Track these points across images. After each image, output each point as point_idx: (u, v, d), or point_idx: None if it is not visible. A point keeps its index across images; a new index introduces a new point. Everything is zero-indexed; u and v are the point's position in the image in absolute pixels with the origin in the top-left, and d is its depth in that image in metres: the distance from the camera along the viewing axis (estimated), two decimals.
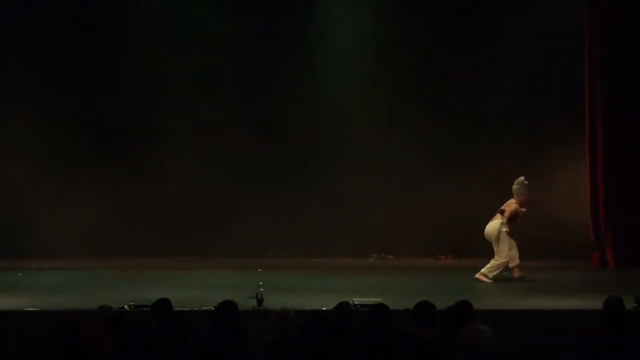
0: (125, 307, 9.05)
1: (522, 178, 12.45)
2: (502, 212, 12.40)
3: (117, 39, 14.68)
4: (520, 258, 12.39)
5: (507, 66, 14.36)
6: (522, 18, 14.47)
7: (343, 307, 6.98)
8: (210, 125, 14.81)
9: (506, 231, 12.27)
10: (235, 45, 14.85)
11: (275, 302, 9.12)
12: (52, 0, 14.82)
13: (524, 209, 12.41)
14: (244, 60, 14.83)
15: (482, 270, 12.31)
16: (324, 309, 8.43)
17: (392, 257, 14.68)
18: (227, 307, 6.80)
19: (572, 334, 6.74)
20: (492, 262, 12.31)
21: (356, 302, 8.77)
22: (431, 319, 6.69)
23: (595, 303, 7.36)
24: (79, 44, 14.64)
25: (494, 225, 12.36)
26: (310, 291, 10.92)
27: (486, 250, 12.94)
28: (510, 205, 12.41)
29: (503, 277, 12.56)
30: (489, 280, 12.22)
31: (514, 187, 12.45)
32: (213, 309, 7.35)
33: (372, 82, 14.78)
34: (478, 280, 12.26)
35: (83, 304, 9.47)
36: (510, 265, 12.38)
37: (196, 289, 10.99)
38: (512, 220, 12.39)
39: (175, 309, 7.36)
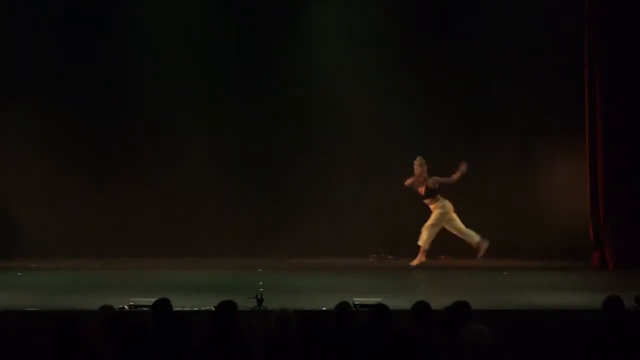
0: (125, 307, 9.04)
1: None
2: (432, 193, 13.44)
3: (117, 40, 14.68)
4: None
5: (506, 66, 14.35)
6: (521, 16, 14.46)
7: (343, 307, 6.97)
8: (209, 125, 14.80)
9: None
10: (233, 46, 14.86)
11: (275, 302, 9.12)
12: (53, 2, 14.81)
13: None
14: (242, 60, 14.83)
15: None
16: (324, 309, 8.44)
17: (392, 257, 14.67)
18: (227, 307, 6.78)
19: (572, 334, 6.72)
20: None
21: (356, 302, 8.77)
22: (427, 319, 6.68)
23: (595, 303, 7.36)
24: (79, 45, 14.62)
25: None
26: (310, 291, 10.90)
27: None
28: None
29: (501, 276, 12.58)
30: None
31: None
32: (213, 309, 7.34)
33: (372, 82, 14.76)
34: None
35: (83, 304, 9.46)
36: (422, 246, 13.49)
37: (196, 289, 10.97)
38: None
39: (174, 309, 7.35)
